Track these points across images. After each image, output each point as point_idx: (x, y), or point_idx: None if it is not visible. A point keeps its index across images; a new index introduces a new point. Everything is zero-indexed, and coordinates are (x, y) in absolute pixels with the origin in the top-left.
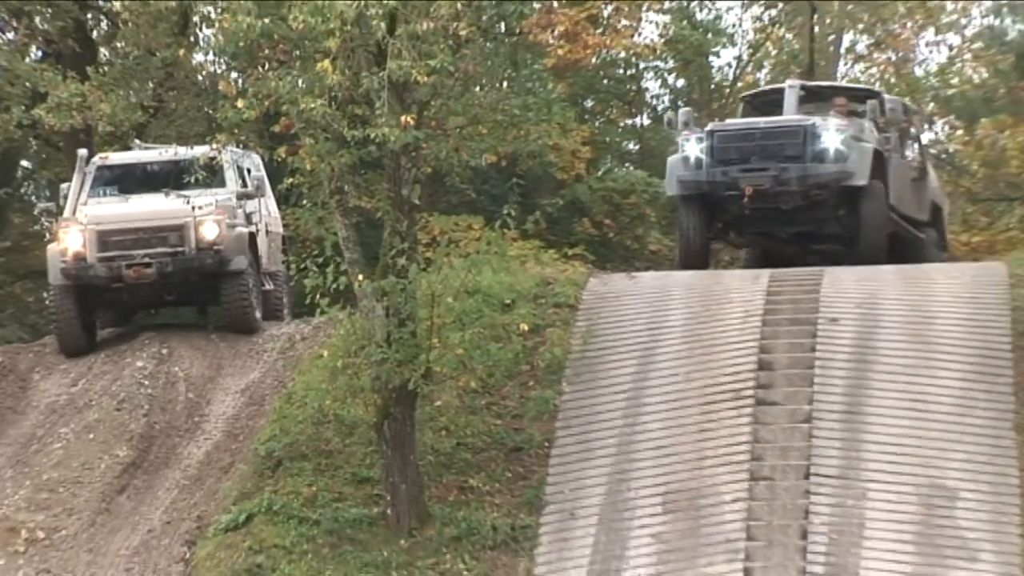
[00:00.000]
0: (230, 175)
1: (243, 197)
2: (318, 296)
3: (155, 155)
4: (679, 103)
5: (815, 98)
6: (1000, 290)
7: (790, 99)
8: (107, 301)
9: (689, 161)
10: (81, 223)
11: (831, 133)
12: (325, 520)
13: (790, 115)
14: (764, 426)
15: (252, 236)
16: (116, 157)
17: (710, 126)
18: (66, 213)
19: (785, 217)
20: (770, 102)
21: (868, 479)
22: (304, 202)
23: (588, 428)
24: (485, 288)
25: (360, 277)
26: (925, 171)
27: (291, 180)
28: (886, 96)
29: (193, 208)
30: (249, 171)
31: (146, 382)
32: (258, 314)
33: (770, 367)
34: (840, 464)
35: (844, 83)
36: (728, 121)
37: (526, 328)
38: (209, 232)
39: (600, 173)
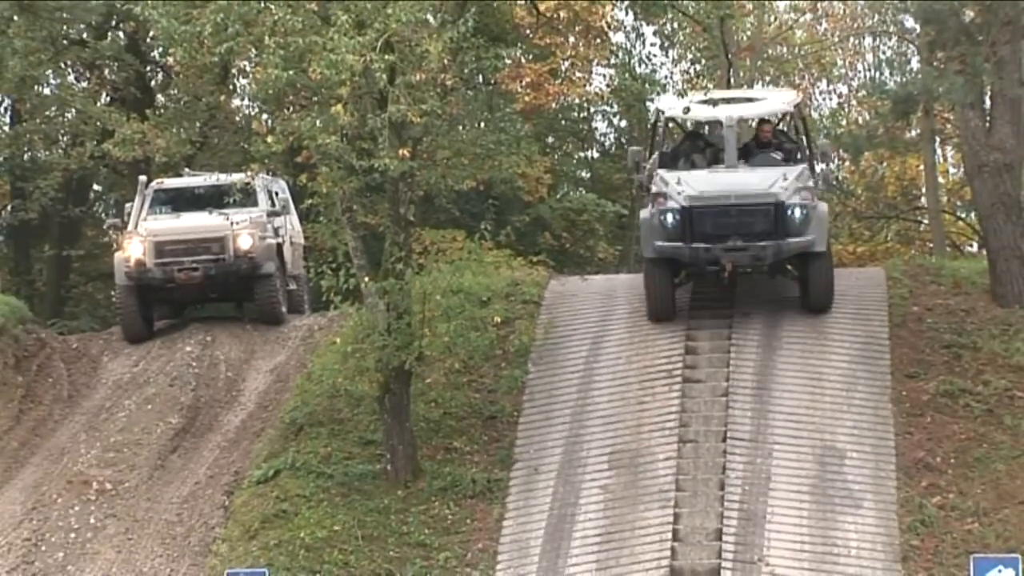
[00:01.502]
0: (261, 197)
1: (272, 215)
2: (332, 294)
3: (201, 180)
4: (623, 140)
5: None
6: (879, 290)
7: (730, 140)
8: (162, 298)
9: (667, 228)
10: (142, 235)
11: (796, 203)
12: (337, 474)
13: (733, 164)
14: (690, 399)
15: (279, 246)
16: (170, 182)
17: (687, 195)
18: (130, 227)
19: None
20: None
21: (774, 442)
22: (321, 218)
23: (549, 400)
24: (466, 288)
25: (366, 279)
26: None
27: (310, 201)
28: (821, 142)
29: (232, 224)
30: (277, 193)
31: (193, 363)
32: (284, 309)
33: (695, 352)
34: (751, 430)
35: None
36: (699, 185)
37: (499, 320)
38: (244, 243)
39: (559, 196)
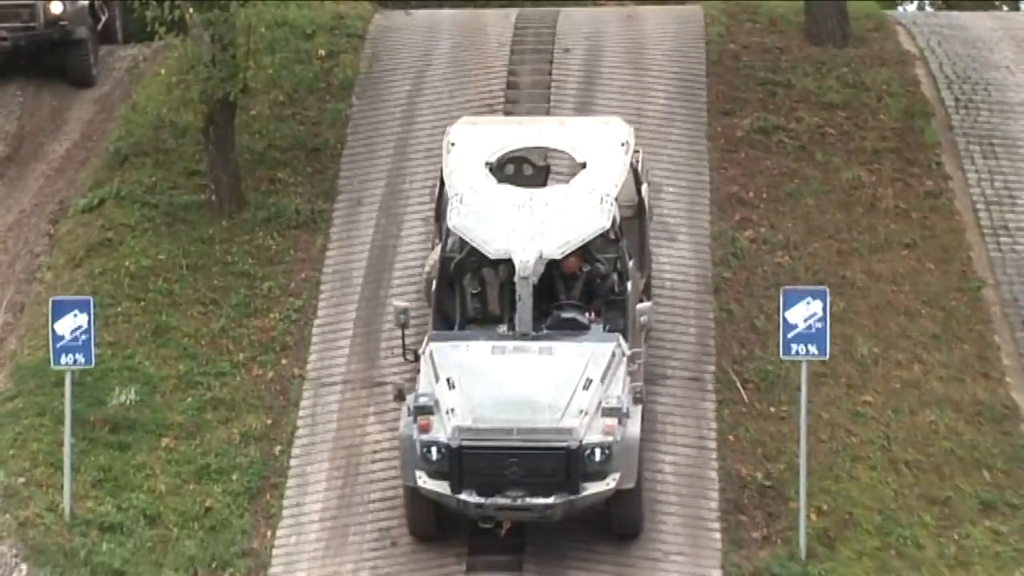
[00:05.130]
0: None
1: None
2: (157, 25)
3: None
4: None
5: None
6: (697, 28)
7: (525, 300)
8: None
9: (430, 462)
10: None
11: (595, 443)
12: (162, 204)
13: (527, 330)
14: None
15: (92, 7)
16: None
17: (455, 426)
18: None
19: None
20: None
21: None
22: None
23: (372, 134)
24: (291, 21)
25: (191, 10)
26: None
27: None
28: (642, 306)
29: None
30: None
31: (18, 92)
32: (95, 72)
33: (516, 87)
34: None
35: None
36: (475, 399)
37: (324, 53)
38: (56, 8)
39: None
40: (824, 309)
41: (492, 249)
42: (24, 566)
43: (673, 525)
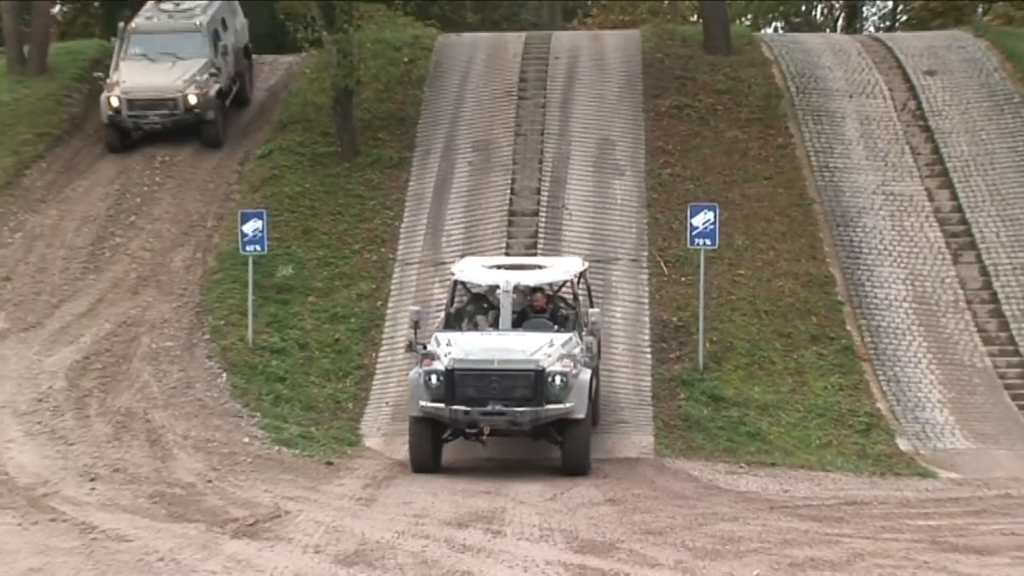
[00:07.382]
0: (206, 41)
1: (213, 65)
2: (304, 43)
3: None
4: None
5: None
6: (637, 43)
7: (506, 305)
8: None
9: (431, 389)
10: (118, 92)
11: (556, 371)
12: (308, 153)
13: (507, 328)
14: (523, 110)
15: (220, 91)
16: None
17: (451, 358)
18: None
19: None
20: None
21: (572, 135)
22: None
23: (436, 109)
24: (387, 39)
25: (324, 32)
26: None
27: None
28: (592, 311)
29: (183, 84)
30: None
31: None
32: (223, 138)
33: (525, 80)
34: (558, 128)
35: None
36: (466, 347)
37: (407, 60)
38: (192, 99)
39: None
40: (715, 217)
41: (484, 281)
42: (224, 374)
43: (621, 350)
